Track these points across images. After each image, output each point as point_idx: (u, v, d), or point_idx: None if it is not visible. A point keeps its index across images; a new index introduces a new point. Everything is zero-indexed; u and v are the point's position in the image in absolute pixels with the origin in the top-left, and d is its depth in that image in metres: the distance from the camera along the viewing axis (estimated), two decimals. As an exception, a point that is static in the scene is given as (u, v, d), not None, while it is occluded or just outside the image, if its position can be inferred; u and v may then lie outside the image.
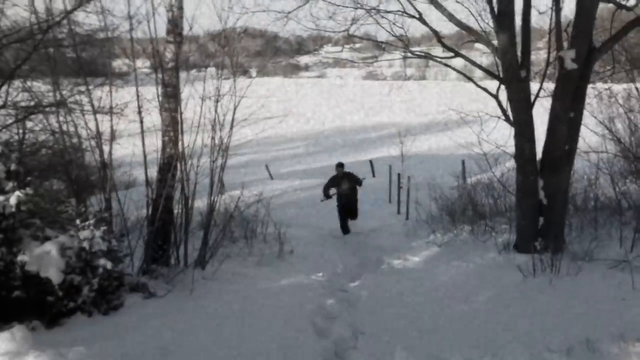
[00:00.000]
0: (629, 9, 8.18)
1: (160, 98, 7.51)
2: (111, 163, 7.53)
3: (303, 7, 10.10)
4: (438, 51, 10.62)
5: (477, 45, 10.64)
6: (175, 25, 7.51)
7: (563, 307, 5.94)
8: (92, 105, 7.47)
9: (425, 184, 13.71)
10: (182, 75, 7.83)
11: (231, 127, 8.05)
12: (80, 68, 7.89)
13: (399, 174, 17.44)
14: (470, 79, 10.32)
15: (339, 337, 5.78)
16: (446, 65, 10.18)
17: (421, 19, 9.53)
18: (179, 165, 7.58)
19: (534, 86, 8.64)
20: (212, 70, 8.35)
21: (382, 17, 9.97)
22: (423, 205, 12.81)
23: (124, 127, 8.33)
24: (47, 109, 8.11)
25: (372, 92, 66.40)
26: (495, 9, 8.31)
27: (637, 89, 10.35)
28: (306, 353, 5.32)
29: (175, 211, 7.72)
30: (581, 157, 9.38)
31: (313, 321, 6.25)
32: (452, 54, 9.82)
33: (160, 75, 7.49)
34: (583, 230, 8.54)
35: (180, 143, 7.61)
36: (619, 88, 11.63)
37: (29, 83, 8.43)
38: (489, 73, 9.28)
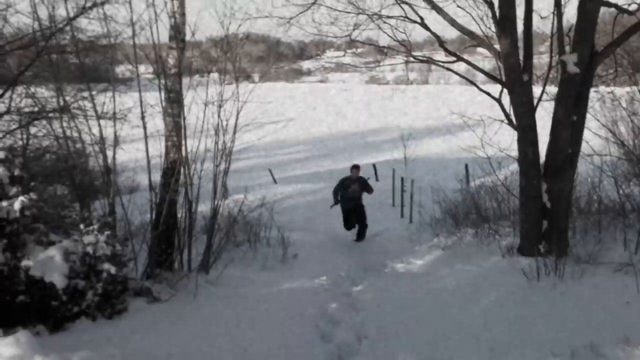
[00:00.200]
0: (630, 13, 8.18)
1: (163, 103, 7.53)
2: (115, 168, 7.54)
3: (305, 13, 10.13)
4: (440, 56, 10.62)
5: (480, 49, 10.64)
6: (177, 31, 7.53)
7: (567, 311, 5.93)
8: (96, 111, 7.49)
9: (429, 188, 13.69)
10: (185, 80, 7.84)
11: (234, 132, 8.07)
12: (83, 74, 7.92)
13: (402, 178, 17.43)
14: (472, 83, 10.34)
15: (343, 341, 5.77)
16: (448, 69, 10.20)
17: (423, 24, 9.55)
18: (182, 169, 7.60)
19: (537, 90, 8.65)
20: (214, 75, 8.36)
21: (384, 22, 10.01)
22: (426, 208, 12.83)
23: (127, 132, 8.35)
24: (51, 115, 8.15)
25: (374, 97, 66.43)
26: (497, 14, 8.33)
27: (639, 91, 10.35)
28: (310, 357, 5.32)
29: (179, 215, 7.73)
30: (585, 160, 9.37)
31: (316, 325, 6.24)
32: (454, 59, 9.83)
33: (163, 81, 7.50)
34: (587, 233, 8.52)
35: (183, 148, 7.62)
36: (621, 91, 11.64)
37: (32, 89, 8.48)
38: (492, 77, 9.30)
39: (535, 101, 8.39)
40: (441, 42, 9.62)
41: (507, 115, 8.82)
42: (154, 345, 5.17)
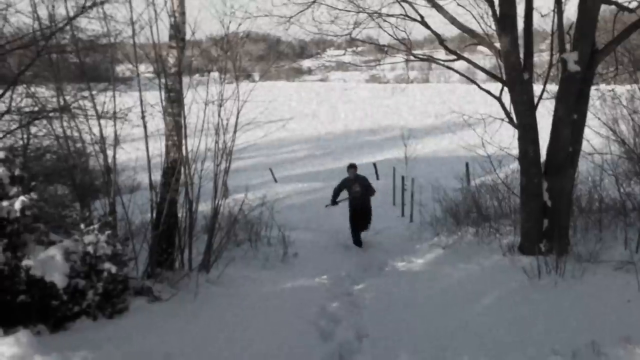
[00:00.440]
0: (631, 10, 8.18)
1: (164, 103, 7.52)
2: (115, 167, 7.54)
3: (305, 12, 10.13)
4: (441, 54, 10.63)
5: (480, 48, 10.65)
6: (177, 30, 7.52)
7: (568, 309, 5.93)
8: (96, 110, 7.48)
9: (429, 186, 13.69)
10: (185, 80, 7.84)
11: (235, 131, 8.06)
12: (83, 73, 7.92)
13: (402, 177, 17.43)
14: (473, 81, 10.33)
15: (344, 340, 5.78)
16: (449, 68, 10.20)
17: (423, 23, 9.55)
18: (182, 169, 7.59)
19: (537, 88, 8.64)
20: (215, 74, 8.36)
21: (385, 20, 10.02)
22: (427, 207, 12.82)
23: (128, 131, 8.35)
24: (51, 114, 8.14)
25: (375, 95, 66.40)
26: (497, 12, 8.33)
27: (640, 89, 10.35)
28: (311, 356, 5.32)
29: (180, 215, 7.73)
30: (585, 158, 9.36)
31: (317, 324, 6.25)
32: (454, 57, 9.83)
33: (163, 80, 7.49)
34: (588, 231, 8.52)
35: (183, 147, 7.62)
36: (622, 89, 11.63)
37: (32, 89, 8.47)
38: (492, 75, 9.29)
39: (536, 99, 8.39)
40: (441, 41, 9.62)
41: (507, 114, 8.82)
42: (154, 344, 5.16)
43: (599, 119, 10.90)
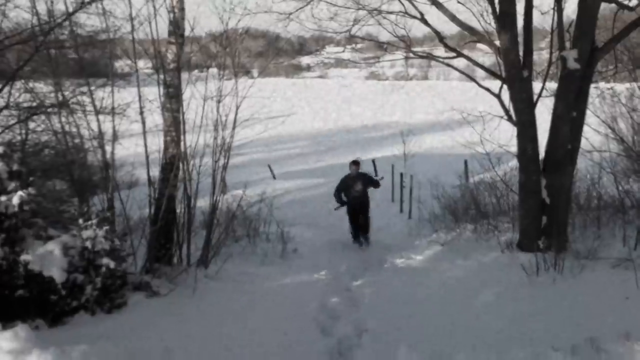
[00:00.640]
0: (631, 9, 8.18)
1: (162, 98, 7.52)
2: (113, 163, 7.53)
3: (305, 8, 10.12)
4: (440, 51, 10.62)
5: (479, 45, 10.64)
6: (177, 26, 7.51)
7: (567, 306, 5.93)
8: (94, 106, 7.47)
9: (428, 183, 13.69)
10: (184, 75, 7.83)
11: (233, 127, 8.06)
12: (82, 69, 7.91)
13: (401, 173, 17.44)
14: (472, 79, 10.34)
15: (343, 335, 5.78)
16: (448, 65, 10.21)
17: (423, 20, 9.54)
18: (181, 165, 7.59)
19: (537, 86, 8.64)
20: (214, 70, 8.35)
21: (384, 17, 10.01)
22: (426, 204, 12.82)
23: (126, 127, 8.34)
24: (50, 110, 8.12)
25: (374, 92, 66.36)
26: (497, 10, 8.32)
27: (639, 88, 10.35)
28: (310, 351, 5.32)
29: (178, 211, 7.73)
30: (584, 156, 9.37)
31: (316, 320, 6.25)
32: (454, 54, 9.82)
33: (162, 76, 7.49)
34: (586, 229, 8.54)
35: (182, 143, 7.61)
36: (621, 87, 11.63)
37: (31, 84, 8.44)
38: (491, 73, 9.29)
39: (535, 97, 8.39)
40: (441, 38, 9.61)
41: (506, 111, 8.82)
42: (153, 339, 5.16)
43: (598, 116, 10.89)
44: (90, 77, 7.88)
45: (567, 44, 8.10)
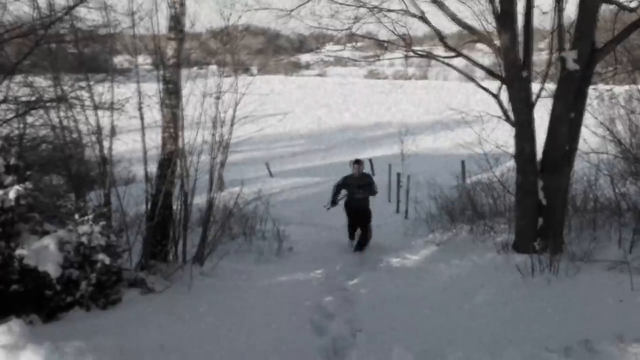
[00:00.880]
0: (631, 10, 8.17)
1: (161, 94, 7.52)
2: (111, 158, 7.53)
3: (305, 5, 10.11)
4: (440, 51, 10.60)
5: (479, 45, 10.63)
6: (177, 22, 7.50)
7: (561, 308, 5.93)
8: (93, 101, 7.47)
9: (425, 183, 13.71)
10: (184, 72, 7.83)
11: (232, 125, 8.06)
12: (81, 64, 7.89)
13: (398, 173, 17.48)
14: (471, 78, 10.32)
15: (337, 334, 5.77)
16: (448, 64, 10.18)
17: (423, 19, 9.52)
18: (178, 161, 7.58)
19: (536, 86, 8.64)
20: (213, 67, 8.35)
21: (385, 16, 9.98)
22: (422, 204, 12.82)
23: (125, 123, 8.33)
24: (48, 104, 8.11)
25: (373, 91, 66.35)
26: (498, 9, 8.31)
27: (638, 90, 10.36)
28: (304, 350, 5.32)
29: (175, 207, 7.72)
30: (581, 157, 9.36)
31: (311, 319, 6.24)
32: (454, 54, 9.81)
33: (161, 72, 7.49)
34: (582, 231, 8.53)
35: (180, 139, 7.61)
36: (620, 89, 11.64)
37: (30, 78, 8.43)
38: (491, 73, 9.28)
39: (534, 98, 8.38)
40: (441, 37, 9.59)
41: (504, 112, 8.81)
42: (147, 335, 5.16)
43: (596, 118, 10.89)
44: (90, 72, 7.88)
45: (567, 45, 8.09)
